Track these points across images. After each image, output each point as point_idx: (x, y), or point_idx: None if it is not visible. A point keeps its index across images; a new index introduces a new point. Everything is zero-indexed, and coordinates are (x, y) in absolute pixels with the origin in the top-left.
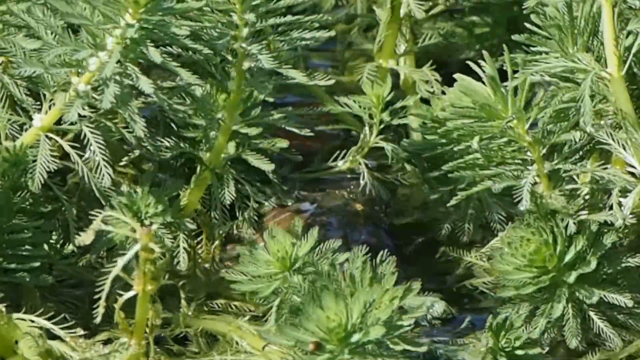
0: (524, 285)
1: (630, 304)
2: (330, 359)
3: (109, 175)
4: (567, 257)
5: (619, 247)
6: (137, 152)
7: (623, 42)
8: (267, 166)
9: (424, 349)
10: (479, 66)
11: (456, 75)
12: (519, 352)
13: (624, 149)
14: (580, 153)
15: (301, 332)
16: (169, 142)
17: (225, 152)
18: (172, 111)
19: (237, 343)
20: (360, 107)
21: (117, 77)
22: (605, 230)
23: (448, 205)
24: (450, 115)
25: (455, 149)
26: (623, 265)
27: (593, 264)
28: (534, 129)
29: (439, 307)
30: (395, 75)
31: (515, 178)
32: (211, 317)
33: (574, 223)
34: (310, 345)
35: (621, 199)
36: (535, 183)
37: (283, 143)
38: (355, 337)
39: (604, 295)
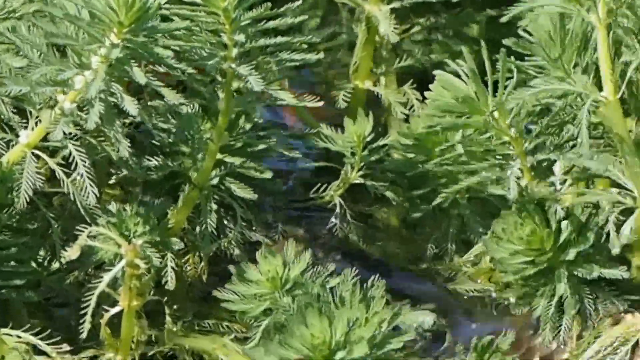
0: (523, 269)
1: (627, 275)
2: None
3: (95, 193)
4: (564, 236)
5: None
6: (124, 172)
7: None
8: (250, 195)
9: None
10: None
11: (436, 72)
12: None
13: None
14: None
15: (286, 350)
16: (156, 161)
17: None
18: (157, 131)
19: None
20: (341, 144)
21: (102, 96)
22: (594, 212)
23: (432, 204)
24: (432, 111)
25: (436, 159)
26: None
27: (591, 239)
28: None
29: (429, 320)
30: None
31: (500, 171)
32: (197, 336)
33: (562, 209)
34: None
35: (612, 223)
36: (519, 177)
37: (267, 174)
38: (339, 355)
39: (604, 271)
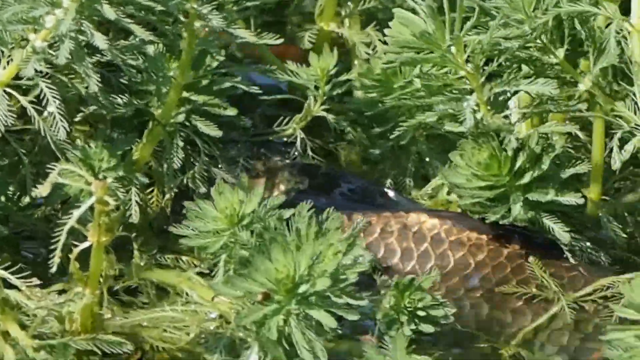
0: (480, 193)
1: (581, 201)
2: (278, 309)
3: (65, 128)
4: (520, 161)
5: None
6: (91, 108)
7: None
8: (214, 132)
9: (365, 302)
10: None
11: (395, 10)
12: (421, 312)
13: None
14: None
15: (250, 284)
16: (122, 99)
17: (176, 110)
18: (126, 67)
19: (187, 294)
20: (305, 77)
21: (73, 34)
22: (548, 143)
23: (391, 140)
24: (391, 48)
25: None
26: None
27: (546, 165)
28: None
29: (365, 257)
30: None
31: (456, 105)
32: (162, 270)
33: (517, 140)
34: (259, 295)
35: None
36: (475, 110)
37: (232, 111)
38: (303, 288)
39: (557, 197)
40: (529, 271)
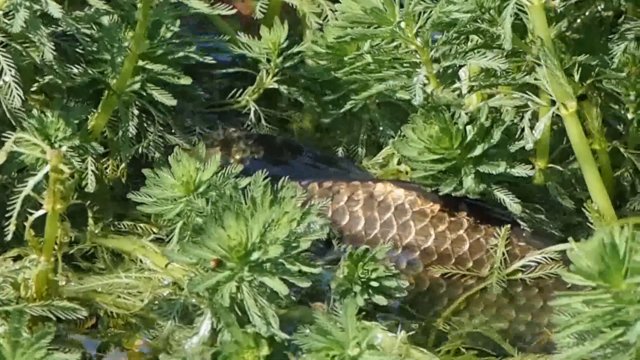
0: (432, 166)
1: (531, 173)
2: (231, 276)
3: (20, 97)
4: (470, 135)
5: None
6: (47, 78)
7: None
8: (169, 101)
9: (318, 270)
10: None
11: None
12: (374, 283)
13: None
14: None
15: (203, 250)
16: (77, 68)
17: (131, 80)
18: (80, 37)
19: (141, 261)
20: (257, 51)
21: (27, 3)
22: (498, 116)
23: (342, 110)
24: (342, 23)
25: (347, 68)
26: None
27: (496, 138)
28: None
29: (325, 230)
30: None
31: (407, 79)
32: (117, 236)
33: (467, 114)
34: (212, 262)
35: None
36: (425, 84)
37: (186, 80)
38: (255, 255)
39: (508, 169)
40: (486, 244)
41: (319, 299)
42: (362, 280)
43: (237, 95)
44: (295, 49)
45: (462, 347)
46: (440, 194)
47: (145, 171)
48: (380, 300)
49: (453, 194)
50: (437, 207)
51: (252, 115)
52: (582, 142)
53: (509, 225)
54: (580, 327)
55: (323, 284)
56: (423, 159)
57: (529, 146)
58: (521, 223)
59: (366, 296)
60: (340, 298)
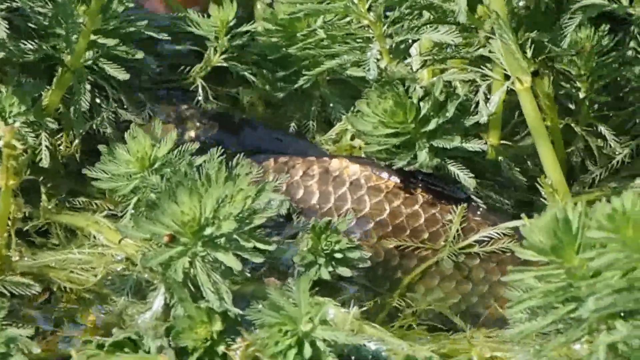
0: (387, 141)
1: (485, 148)
2: (184, 251)
3: None
4: (425, 109)
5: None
6: (0, 54)
7: None
8: (122, 75)
9: (273, 247)
10: None
11: None
12: (338, 255)
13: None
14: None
15: (156, 226)
16: (31, 44)
17: (84, 55)
18: (34, 14)
19: (94, 237)
20: (206, 29)
21: None
22: (452, 90)
23: (295, 86)
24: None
25: (299, 44)
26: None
27: (450, 113)
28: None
29: (285, 206)
30: None
31: (360, 54)
32: (71, 212)
33: (421, 88)
34: (165, 237)
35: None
36: (379, 59)
37: (139, 54)
38: (208, 231)
39: (462, 143)
40: (441, 218)
41: (285, 274)
42: (326, 252)
43: (186, 72)
44: (244, 28)
45: (413, 323)
46: (395, 167)
47: (101, 147)
48: (345, 271)
49: (406, 168)
50: (392, 183)
51: (200, 92)
52: (536, 117)
53: (465, 203)
54: (533, 302)
55: (285, 258)
56: (377, 133)
57: (484, 120)
58: (475, 200)
59: (330, 268)
60: (305, 271)
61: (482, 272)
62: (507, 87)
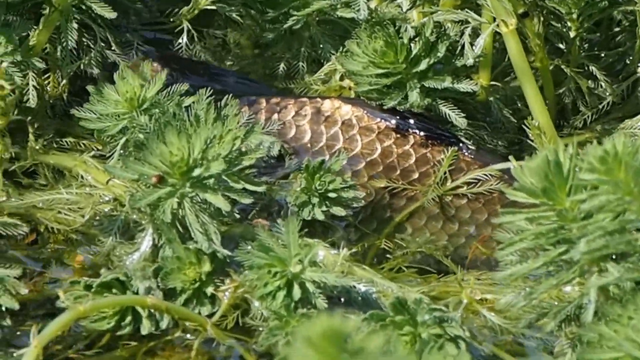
0: (377, 81)
1: (477, 88)
2: (172, 192)
3: None
4: (415, 49)
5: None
6: None
7: None
8: (109, 14)
9: (262, 188)
10: None
11: None
12: (332, 194)
13: None
14: None
15: (145, 166)
16: None
17: None
18: None
19: (82, 177)
20: None
21: None
22: (443, 31)
23: (284, 27)
24: None
25: None
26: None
27: (441, 53)
28: None
29: (276, 147)
30: None
31: None
32: (58, 153)
33: (412, 28)
34: (153, 178)
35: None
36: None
37: None
38: (197, 172)
39: (453, 84)
40: (432, 158)
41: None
42: (320, 192)
43: (173, 14)
44: None
45: (403, 266)
46: (385, 107)
47: (89, 87)
48: (338, 211)
49: (397, 108)
50: (384, 124)
51: (184, 35)
52: (521, 59)
53: (456, 145)
54: (524, 244)
55: (279, 198)
56: (368, 73)
57: (470, 62)
58: (465, 141)
59: (324, 208)
60: (298, 211)
61: (469, 212)
62: (492, 29)
